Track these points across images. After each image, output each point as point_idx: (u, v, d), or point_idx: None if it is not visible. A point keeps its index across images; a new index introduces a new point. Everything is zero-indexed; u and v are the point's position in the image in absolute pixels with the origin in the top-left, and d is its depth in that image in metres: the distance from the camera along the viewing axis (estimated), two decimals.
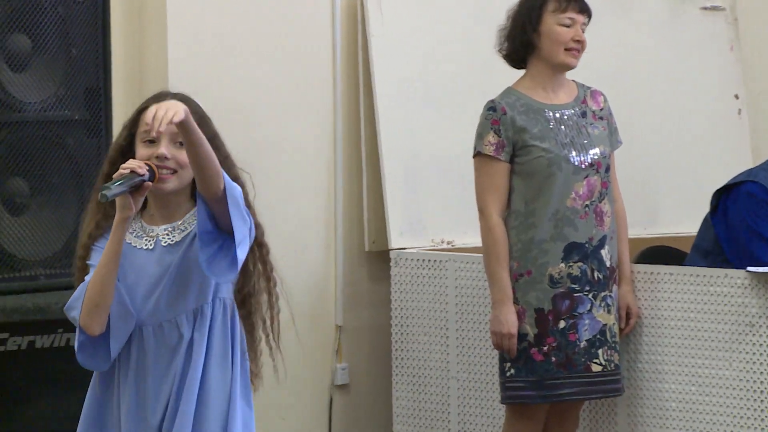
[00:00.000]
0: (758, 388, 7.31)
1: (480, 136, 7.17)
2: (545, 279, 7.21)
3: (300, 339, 8.02)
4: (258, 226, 4.67)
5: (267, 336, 4.78)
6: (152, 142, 4.51)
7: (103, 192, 4.30)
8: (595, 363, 7.27)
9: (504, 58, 7.43)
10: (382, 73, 8.43)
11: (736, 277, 7.26)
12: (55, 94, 6.80)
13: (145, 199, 4.57)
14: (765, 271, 7.19)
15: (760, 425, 7.39)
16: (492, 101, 7.24)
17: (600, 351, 7.30)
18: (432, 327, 8.28)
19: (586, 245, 7.30)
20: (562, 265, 7.19)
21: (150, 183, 4.44)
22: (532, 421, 7.34)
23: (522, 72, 7.42)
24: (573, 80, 7.57)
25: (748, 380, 7.33)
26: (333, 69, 8.53)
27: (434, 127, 8.69)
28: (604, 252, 7.34)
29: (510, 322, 7.12)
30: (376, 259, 8.54)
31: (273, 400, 7.78)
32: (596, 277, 7.27)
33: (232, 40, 8.40)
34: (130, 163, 4.40)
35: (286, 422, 8.29)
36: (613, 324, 7.39)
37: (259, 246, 4.70)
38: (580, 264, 7.23)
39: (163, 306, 4.56)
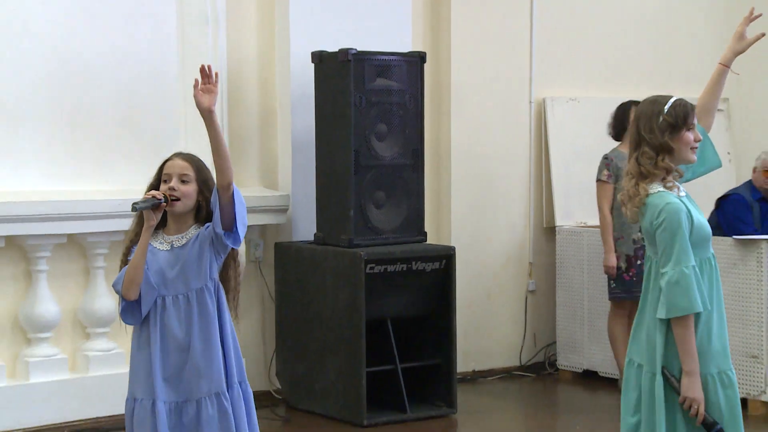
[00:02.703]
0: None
1: (600, 171, 7.13)
2: (630, 241, 7.07)
3: None
4: (236, 250, 4.22)
5: (231, 309, 4.26)
6: (166, 180, 4.09)
7: (134, 205, 4.02)
8: None
9: (611, 136, 7.26)
10: None
11: (728, 242, 6.95)
12: (398, 152, 6.83)
13: (167, 219, 4.17)
14: (743, 238, 6.93)
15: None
16: (606, 155, 7.14)
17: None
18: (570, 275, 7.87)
19: None
20: (639, 233, 6.98)
21: (164, 204, 4.05)
22: (623, 310, 7.18)
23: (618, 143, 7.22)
24: None
25: (735, 294, 6.90)
26: None
27: None
28: None
29: (612, 262, 7.06)
30: None
31: None
32: None
33: None
34: (152, 192, 4.05)
35: None
36: None
37: (233, 257, 4.20)
38: None
39: (179, 284, 4.11)
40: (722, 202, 7.52)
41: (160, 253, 4.14)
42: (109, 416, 6.49)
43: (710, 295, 3.98)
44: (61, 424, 6.37)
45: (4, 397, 6.29)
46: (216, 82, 4.11)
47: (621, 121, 7.25)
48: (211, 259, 4.15)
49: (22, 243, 6.47)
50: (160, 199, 4.06)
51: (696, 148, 4.03)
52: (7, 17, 6.53)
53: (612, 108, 7.37)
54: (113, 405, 6.26)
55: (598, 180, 7.21)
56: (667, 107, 3.98)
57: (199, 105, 4.10)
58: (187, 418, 4.11)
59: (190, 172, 4.13)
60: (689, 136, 3.98)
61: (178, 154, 4.21)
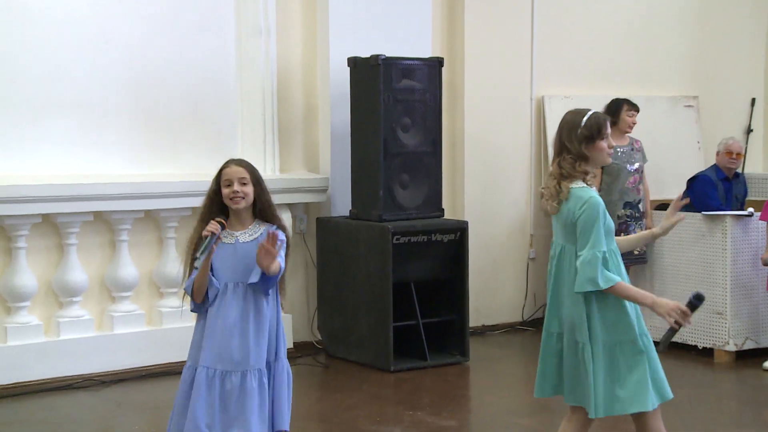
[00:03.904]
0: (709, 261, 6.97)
1: None
2: (615, 217, 6.95)
3: None
4: (287, 237, 4.08)
5: (281, 290, 4.12)
6: (228, 184, 3.99)
7: (197, 257, 3.96)
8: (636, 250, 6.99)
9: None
10: None
11: (697, 217, 6.92)
12: (420, 141, 6.82)
13: (230, 216, 4.05)
14: (711, 213, 6.88)
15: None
16: None
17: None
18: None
19: (633, 201, 7.11)
20: (623, 210, 7.08)
21: (221, 238, 3.95)
22: None
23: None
24: (629, 135, 7.19)
25: (703, 261, 6.96)
26: None
27: None
28: (640, 205, 7.12)
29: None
30: None
31: None
32: (636, 215, 7.09)
33: None
34: (207, 231, 3.93)
35: None
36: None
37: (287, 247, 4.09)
38: (630, 210, 7.09)
39: (239, 273, 3.99)
40: (692, 183, 7.44)
41: (226, 246, 4.03)
42: (131, 369, 6.45)
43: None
44: (88, 375, 6.33)
45: (40, 351, 6.23)
46: (277, 247, 3.95)
47: (612, 113, 7.17)
48: None
49: (108, 218, 6.53)
50: (216, 233, 3.95)
51: (611, 153, 3.91)
52: (94, 31, 6.59)
53: (599, 104, 7.29)
54: (135, 359, 6.48)
55: None
56: (584, 121, 3.85)
57: (259, 263, 3.96)
58: (230, 386, 3.99)
59: (247, 175, 4.04)
60: (603, 144, 3.86)
61: (232, 161, 4.10)
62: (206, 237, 3.96)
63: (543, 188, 3.96)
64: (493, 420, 5.64)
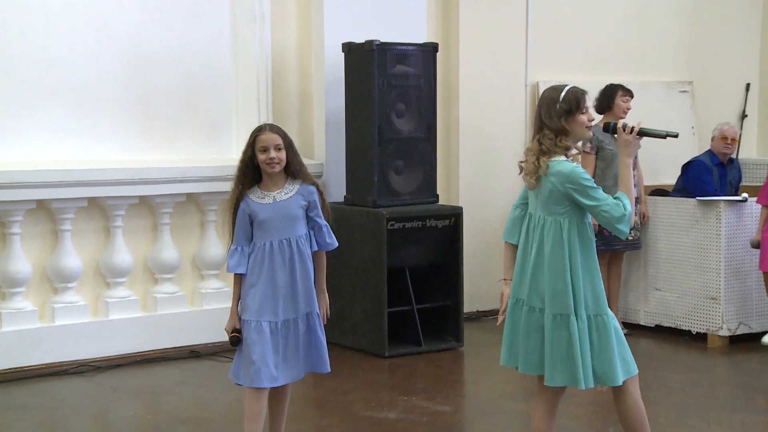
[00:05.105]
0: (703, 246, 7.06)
1: (583, 143, 6.59)
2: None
3: None
4: (319, 191, 4.33)
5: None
6: (265, 150, 4.19)
7: (233, 344, 4.26)
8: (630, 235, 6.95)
9: (595, 109, 7.01)
10: None
11: (692, 202, 6.98)
12: (414, 127, 6.79)
13: (261, 175, 4.27)
14: (705, 199, 6.92)
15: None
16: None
17: (631, 231, 6.93)
18: None
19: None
20: None
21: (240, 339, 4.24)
22: (603, 260, 6.68)
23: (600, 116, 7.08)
24: (624, 121, 7.27)
25: (697, 246, 6.98)
26: None
27: None
28: (634, 191, 7.21)
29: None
30: None
31: None
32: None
33: None
34: (231, 340, 4.25)
35: None
36: (637, 219, 7.00)
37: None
38: None
39: (283, 230, 4.21)
40: (686, 168, 7.46)
41: (266, 206, 4.25)
42: (126, 354, 6.47)
43: (590, 250, 3.89)
44: (83, 360, 6.33)
45: (35, 337, 6.24)
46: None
47: (607, 99, 7.19)
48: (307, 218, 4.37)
49: (102, 203, 6.54)
50: (239, 338, 4.25)
51: (591, 127, 3.93)
52: (90, 18, 6.60)
53: (594, 89, 7.09)
54: (129, 345, 6.49)
55: (582, 151, 6.98)
56: (562, 95, 3.88)
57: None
58: (302, 328, 4.28)
59: (281, 141, 4.23)
60: (583, 118, 3.89)
61: (266, 127, 4.28)
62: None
63: (521, 162, 3.97)
64: (487, 405, 5.64)
